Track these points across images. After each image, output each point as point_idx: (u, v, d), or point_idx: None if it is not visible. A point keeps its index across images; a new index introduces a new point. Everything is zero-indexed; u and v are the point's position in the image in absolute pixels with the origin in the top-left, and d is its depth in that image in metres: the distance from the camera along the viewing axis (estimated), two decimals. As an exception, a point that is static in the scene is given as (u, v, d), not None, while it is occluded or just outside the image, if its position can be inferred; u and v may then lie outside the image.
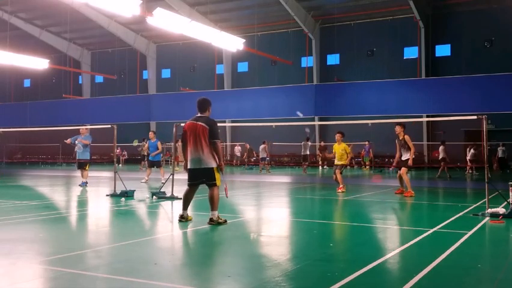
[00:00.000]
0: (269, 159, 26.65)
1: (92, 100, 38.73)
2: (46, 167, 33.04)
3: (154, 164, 16.84)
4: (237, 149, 33.32)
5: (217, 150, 7.30)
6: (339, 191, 12.77)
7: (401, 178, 12.09)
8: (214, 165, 7.25)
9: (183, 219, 7.50)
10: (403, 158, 12.05)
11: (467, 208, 9.44)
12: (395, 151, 12.25)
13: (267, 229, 7.59)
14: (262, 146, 25.75)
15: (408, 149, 11.88)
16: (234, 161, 33.80)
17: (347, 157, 13.33)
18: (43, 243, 6.17)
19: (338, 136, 13.27)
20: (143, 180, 16.59)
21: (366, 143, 28.10)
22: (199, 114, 7.48)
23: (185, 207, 7.54)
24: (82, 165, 15.02)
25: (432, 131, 31.50)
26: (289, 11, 30.60)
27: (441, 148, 22.15)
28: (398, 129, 12.01)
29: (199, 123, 7.31)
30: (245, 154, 31.88)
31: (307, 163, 25.77)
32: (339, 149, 13.22)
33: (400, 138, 12.01)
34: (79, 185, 14.62)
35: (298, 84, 31.34)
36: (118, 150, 35.61)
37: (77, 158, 15.32)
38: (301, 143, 25.72)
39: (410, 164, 11.89)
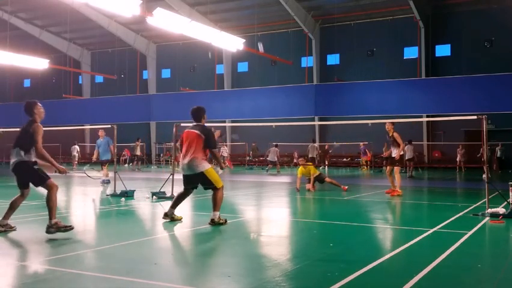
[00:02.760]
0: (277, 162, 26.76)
1: (92, 100, 38.72)
2: (46, 167, 32.97)
3: None
4: (224, 150, 32.66)
5: (216, 157, 7.69)
6: (312, 190, 13.16)
7: (390, 175, 12.16)
8: (204, 168, 7.29)
9: (167, 217, 7.54)
10: (393, 155, 12.12)
11: (467, 208, 9.44)
12: (384, 148, 12.39)
13: (267, 229, 7.59)
14: (274, 149, 25.51)
15: (398, 146, 12.01)
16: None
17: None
18: (43, 243, 6.16)
19: (302, 161, 14.33)
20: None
21: (361, 144, 28.07)
22: (195, 123, 7.61)
23: (173, 207, 7.60)
24: (102, 164, 15.96)
25: (432, 131, 31.50)
26: (289, 11, 30.59)
27: (407, 147, 22.47)
28: (388, 126, 12.14)
29: (195, 131, 7.41)
30: (251, 153, 31.87)
31: (314, 164, 25.68)
32: (307, 172, 13.67)
33: (390, 135, 12.11)
34: (101, 183, 15.44)
35: (298, 84, 31.34)
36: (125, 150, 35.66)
37: (100, 159, 16.10)
38: (308, 146, 25.64)
39: (397, 158, 12.00)
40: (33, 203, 10.32)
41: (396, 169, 12.05)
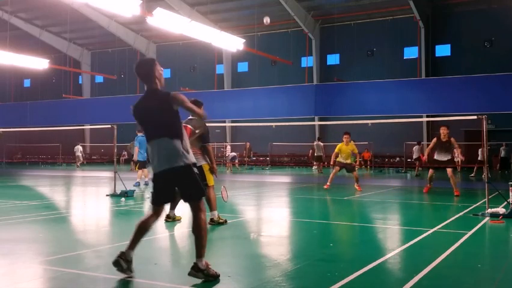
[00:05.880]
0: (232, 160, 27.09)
1: (92, 100, 38.71)
2: (46, 167, 33.03)
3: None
4: (228, 149, 32.50)
5: (209, 153, 7.38)
6: (359, 190, 13.10)
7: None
8: (201, 163, 7.26)
9: (169, 219, 7.55)
10: (445, 159, 12.14)
11: (467, 208, 9.44)
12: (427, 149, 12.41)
13: (267, 229, 7.59)
14: (229, 148, 26.12)
15: (452, 150, 12.15)
16: (225, 162, 32.58)
17: (356, 157, 13.90)
18: (43, 243, 6.17)
19: (347, 137, 13.52)
20: None
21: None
22: (190, 117, 7.52)
23: (172, 207, 7.59)
24: (142, 165, 15.12)
25: (432, 131, 31.50)
26: (289, 11, 30.60)
27: (415, 148, 22.85)
28: (444, 131, 12.08)
29: (189, 126, 7.35)
30: (245, 153, 31.80)
31: (322, 163, 25.73)
32: (347, 150, 13.50)
33: (445, 140, 12.06)
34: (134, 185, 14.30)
35: (298, 84, 31.33)
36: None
37: (138, 159, 15.18)
38: (314, 144, 25.65)
39: (463, 159, 12.14)
40: (33, 203, 10.33)
41: (450, 171, 12.09)
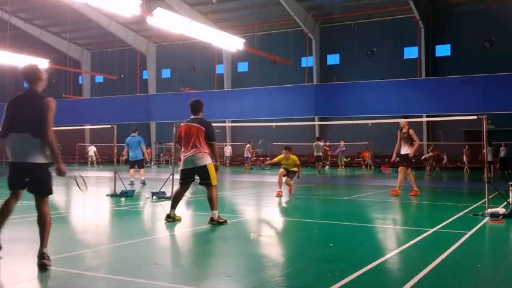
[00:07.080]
0: (251, 159, 27.04)
1: (92, 100, 38.70)
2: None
3: None
4: (228, 150, 32.70)
5: (215, 151, 7.42)
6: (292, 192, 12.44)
7: (403, 174, 12.04)
8: (207, 162, 7.27)
9: (170, 218, 7.52)
10: (403, 152, 12.00)
11: (467, 208, 9.44)
12: (395, 145, 12.29)
13: (267, 229, 7.59)
14: (247, 146, 25.99)
15: (411, 143, 11.83)
16: (224, 162, 32.12)
17: (298, 168, 12.58)
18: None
19: (286, 153, 12.27)
20: None
21: (342, 142, 27.87)
22: (192, 116, 7.50)
23: (173, 207, 7.56)
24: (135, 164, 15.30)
25: (432, 131, 31.51)
26: (289, 11, 30.60)
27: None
28: (403, 122, 12.06)
29: (194, 124, 7.34)
30: (254, 153, 31.96)
31: (321, 163, 25.72)
32: (288, 163, 12.35)
33: (404, 131, 12.04)
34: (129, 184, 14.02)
35: (298, 84, 31.32)
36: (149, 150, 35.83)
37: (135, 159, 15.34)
38: (313, 144, 25.67)
39: (411, 155, 11.87)
40: (33, 203, 10.32)
41: (408, 170, 12.01)
